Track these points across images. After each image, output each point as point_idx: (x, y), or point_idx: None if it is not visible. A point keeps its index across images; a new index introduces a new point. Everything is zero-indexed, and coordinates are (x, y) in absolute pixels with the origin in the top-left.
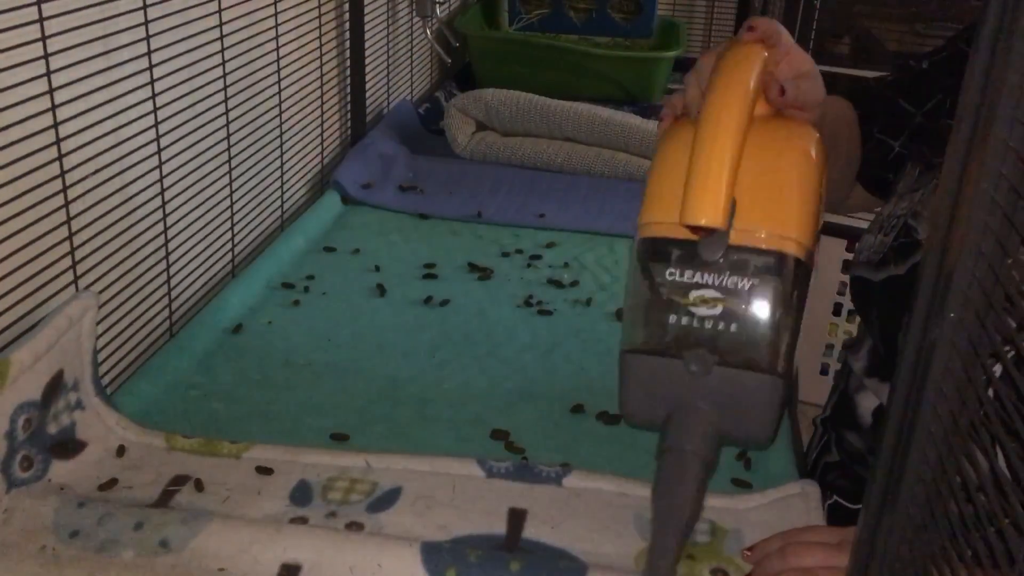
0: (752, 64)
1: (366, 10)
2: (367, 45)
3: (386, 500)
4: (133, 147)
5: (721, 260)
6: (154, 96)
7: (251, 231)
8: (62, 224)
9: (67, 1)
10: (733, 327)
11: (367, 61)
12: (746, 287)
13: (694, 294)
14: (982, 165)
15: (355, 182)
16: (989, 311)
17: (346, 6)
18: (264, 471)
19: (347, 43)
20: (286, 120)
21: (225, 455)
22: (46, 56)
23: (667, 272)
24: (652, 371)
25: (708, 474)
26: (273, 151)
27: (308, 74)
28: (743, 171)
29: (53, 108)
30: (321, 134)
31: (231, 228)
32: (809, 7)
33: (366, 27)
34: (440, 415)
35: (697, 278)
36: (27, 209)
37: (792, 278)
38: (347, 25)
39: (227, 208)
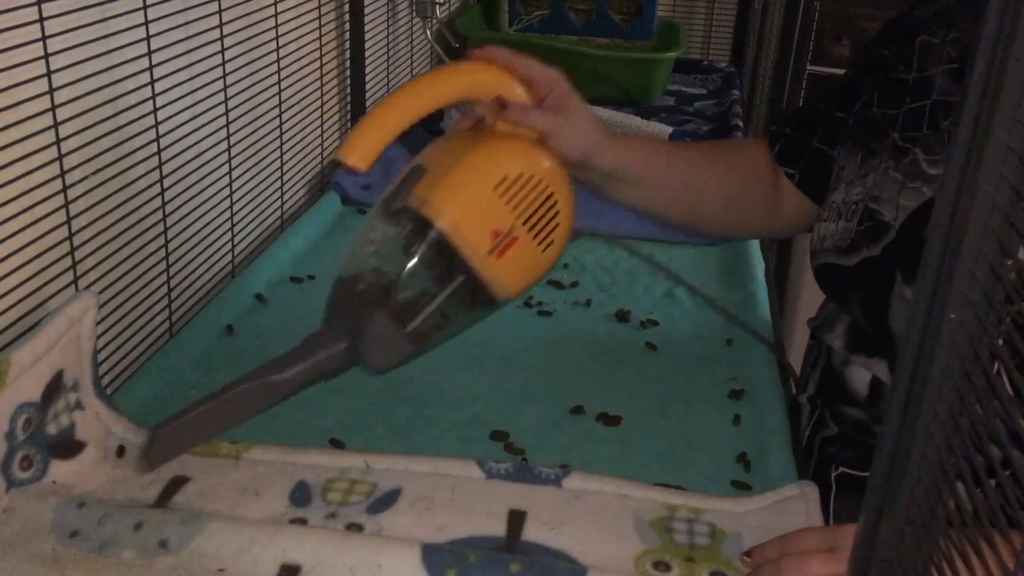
0: (454, 74)
1: (366, 11)
2: (367, 46)
3: (386, 501)
4: (133, 147)
5: (395, 212)
6: (154, 96)
7: (251, 231)
8: (62, 224)
9: (67, 1)
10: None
11: (367, 62)
12: (396, 236)
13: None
14: (982, 166)
15: (355, 183)
16: (989, 312)
17: (346, 7)
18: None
19: (347, 44)
20: (286, 121)
21: (225, 455)
22: (46, 55)
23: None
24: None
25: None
26: (273, 152)
27: (308, 75)
28: (443, 153)
29: (53, 108)
30: (321, 135)
31: (231, 228)
32: (809, 8)
33: (366, 28)
34: (439, 416)
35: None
36: (27, 209)
37: (421, 237)
38: (347, 26)
39: (227, 208)
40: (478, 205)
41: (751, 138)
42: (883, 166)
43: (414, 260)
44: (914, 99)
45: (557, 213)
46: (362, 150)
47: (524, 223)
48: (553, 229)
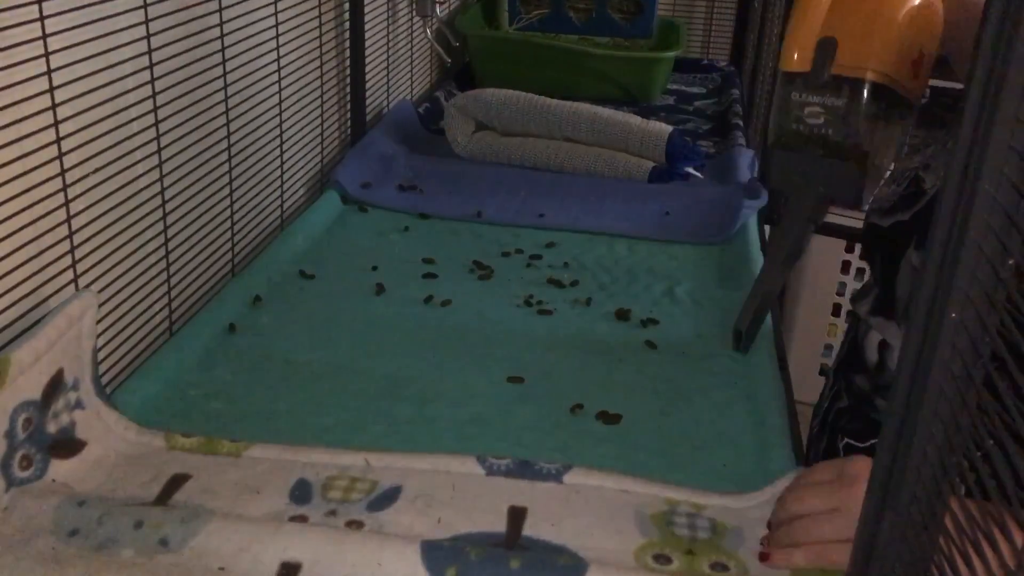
0: None
1: (366, 10)
2: (367, 45)
3: (386, 499)
4: (133, 146)
5: (823, 85)
6: (154, 95)
7: (251, 230)
8: (62, 223)
9: (68, 0)
10: (830, 131)
11: (367, 61)
12: (838, 104)
13: (807, 109)
14: (984, 165)
15: (355, 181)
16: (990, 311)
17: (346, 6)
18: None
19: (347, 43)
20: (286, 119)
21: (225, 454)
22: (47, 55)
23: (791, 94)
24: (783, 159)
25: (813, 225)
26: (273, 150)
27: (308, 73)
28: (849, 16)
29: (53, 107)
30: (321, 133)
31: (231, 227)
32: None
33: (366, 27)
34: (440, 414)
35: (807, 98)
36: (27, 208)
37: (870, 98)
38: (347, 25)
39: (227, 207)
40: (898, 47)
41: None
42: (944, 139)
43: (867, 116)
44: None
45: (937, 21)
46: (802, 49)
47: (928, 42)
48: (936, 34)
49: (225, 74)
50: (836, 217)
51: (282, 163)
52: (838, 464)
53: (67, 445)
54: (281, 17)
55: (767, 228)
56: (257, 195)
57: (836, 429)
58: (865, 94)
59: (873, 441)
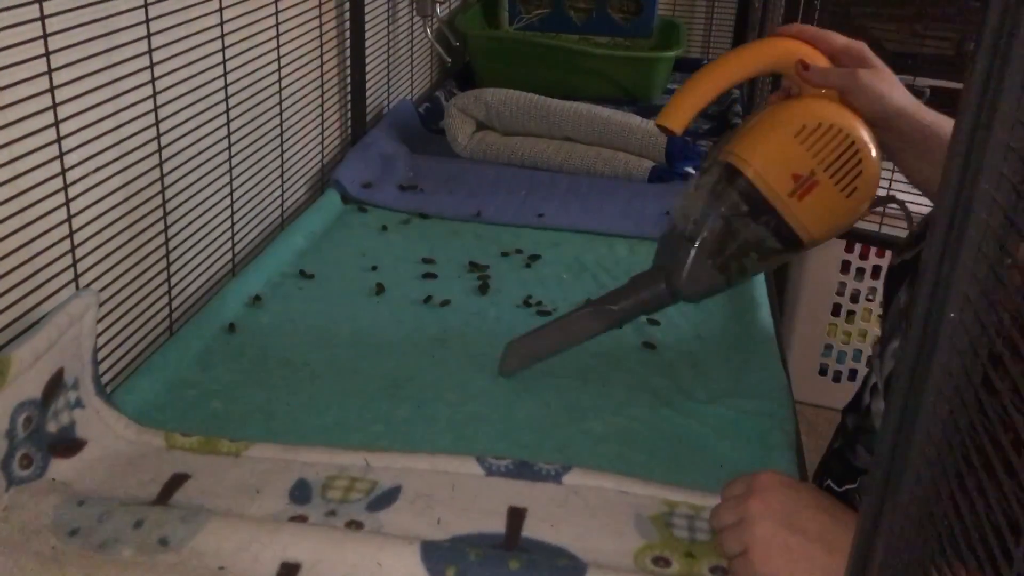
0: (759, 47)
1: (366, 9)
2: (367, 44)
3: (386, 499)
4: (134, 145)
5: (709, 165)
6: (155, 95)
7: (251, 230)
8: (63, 222)
9: (68, 0)
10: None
11: (367, 60)
12: (709, 183)
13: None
14: (983, 165)
15: (355, 181)
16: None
17: (346, 5)
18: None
19: (347, 42)
20: (286, 119)
21: (224, 454)
22: (47, 54)
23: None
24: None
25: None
26: (273, 150)
27: (308, 73)
28: (753, 117)
29: (54, 106)
30: (321, 133)
31: (231, 227)
32: (809, 7)
33: (366, 26)
34: (439, 415)
35: (698, 177)
36: (28, 207)
37: (731, 184)
38: (347, 24)
39: (227, 207)
40: (778, 152)
41: None
42: None
43: (723, 204)
44: None
45: (860, 161)
46: (679, 115)
47: (825, 169)
48: (856, 176)
49: (225, 73)
50: None
51: (282, 163)
52: (747, 478)
53: (67, 444)
54: (281, 17)
55: None
56: (257, 195)
57: (826, 470)
58: (736, 184)
59: (848, 487)
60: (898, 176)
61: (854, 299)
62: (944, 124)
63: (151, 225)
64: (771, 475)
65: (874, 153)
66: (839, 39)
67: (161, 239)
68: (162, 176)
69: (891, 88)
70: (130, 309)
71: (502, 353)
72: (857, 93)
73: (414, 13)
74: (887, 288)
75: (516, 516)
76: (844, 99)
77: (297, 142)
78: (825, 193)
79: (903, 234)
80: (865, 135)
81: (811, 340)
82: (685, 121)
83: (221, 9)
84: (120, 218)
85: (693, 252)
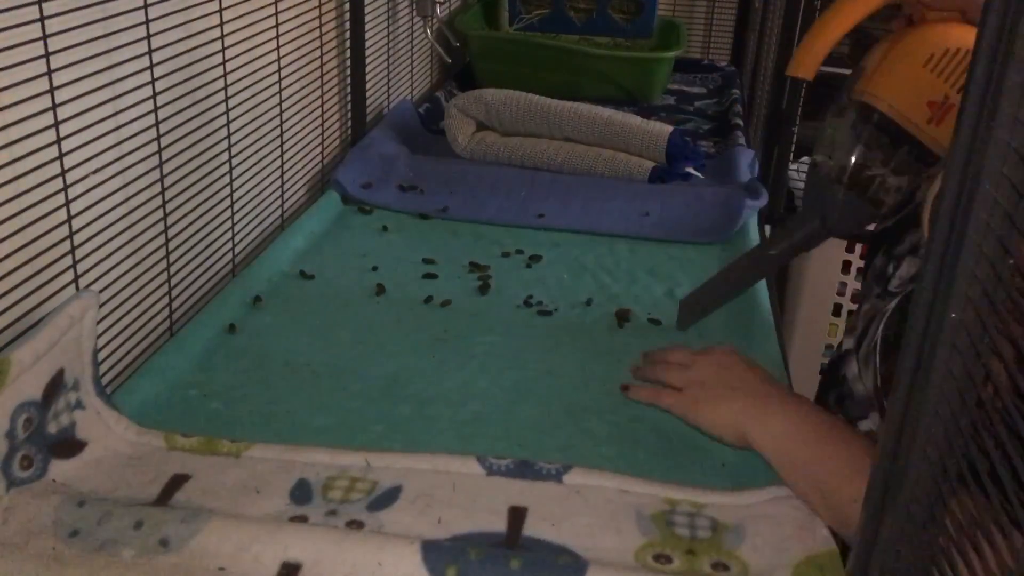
0: None
1: (366, 10)
2: (367, 45)
3: (386, 499)
4: (134, 146)
5: (841, 108)
6: (155, 95)
7: (251, 231)
8: (63, 223)
9: (68, 0)
10: (836, 159)
11: (367, 61)
12: (845, 126)
13: (827, 132)
14: (984, 165)
15: (355, 182)
16: (991, 311)
17: (346, 6)
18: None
19: (347, 43)
20: (286, 120)
21: (225, 454)
22: (47, 55)
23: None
24: (813, 178)
25: (805, 249)
26: (273, 151)
27: (308, 74)
28: (878, 46)
29: (54, 107)
30: (321, 134)
31: (231, 228)
32: (809, 8)
33: (366, 27)
34: (440, 415)
35: (830, 121)
36: (28, 208)
37: (867, 122)
38: (347, 25)
39: (227, 207)
40: (911, 83)
41: None
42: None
43: (864, 141)
44: None
45: None
46: (808, 62)
47: (959, 91)
48: None
49: (226, 74)
50: None
51: (283, 163)
52: (714, 345)
53: (67, 445)
54: (281, 17)
55: (767, 228)
56: (257, 195)
57: None
58: (874, 121)
59: None
60: None
61: (854, 299)
62: None
63: (151, 226)
64: (731, 346)
65: None
66: None
67: (161, 240)
68: (162, 177)
69: None
70: (130, 310)
71: (678, 311)
72: (978, 11)
73: (414, 13)
74: (868, 257)
75: (517, 515)
76: (967, 18)
77: (297, 142)
78: (955, 110)
79: None
80: None
81: (811, 340)
82: (815, 66)
83: (221, 10)
84: (120, 219)
85: (842, 192)
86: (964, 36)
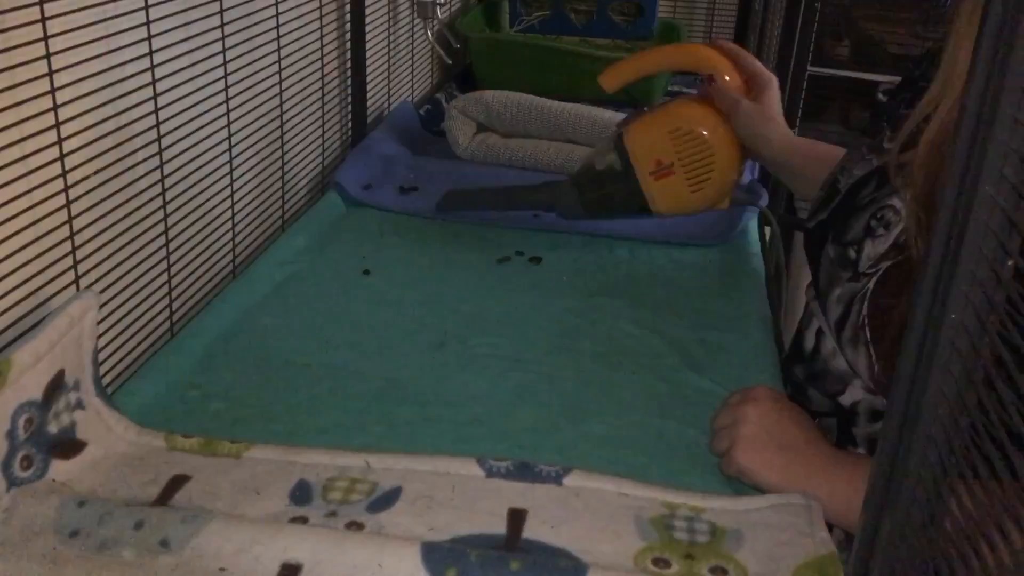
0: (685, 49)
1: (367, 11)
2: (368, 46)
3: (386, 500)
4: (135, 147)
5: (615, 130)
6: (156, 96)
7: (252, 231)
8: (63, 224)
9: (69, 0)
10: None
11: (368, 62)
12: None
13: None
14: (983, 166)
15: (356, 183)
16: (990, 312)
17: (347, 7)
18: None
19: (348, 44)
20: (287, 121)
21: (225, 455)
22: (48, 55)
23: None
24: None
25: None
26: (274, 152)
27: (309, 75)
28: (662, 105)
29: (55, 107)
30: (322, 135)
31: (232, 228)
32: (810, 9)
33: (367, 28)
34: (440, 416)
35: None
36: (28, 208)
37: (618, 147)
38: (348, 26)
39: (228, 208)
40: (654, 139)
41: None
42: (863, 144)
43: (606, 158)
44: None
45: (712, 169)
46: (613, 79)
47: (682, 165)
48: (705, 180)
49: (227, 75)
50: None
51: (283, 164)
52: (745, 390)
53: (68, 445)
54: (282, 19)
55: (767, 230)
56: (258, 196)
57: None
58: (619, 149)
59: None
60: None
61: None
62: (804, 149)
63: (152, 227)
64: (764, 388)
65: (730, 168)
66: (754, 65)
67: (162, 240)
68: (163, 178)
69: (765, 123)
70: (131, 310)
71: (443, 196)
72: (735, 119)
73: (415, 15)
74: (809, 249)
75: (517, 517)
76: (726, 116)
77: (298, 143)
78: (677, 183)
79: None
80: (729, 152)
81: None
82: (617, 86)
83: (222, 11)
84: (121, 219)
85: (570, 184)
86: (712, 127)
